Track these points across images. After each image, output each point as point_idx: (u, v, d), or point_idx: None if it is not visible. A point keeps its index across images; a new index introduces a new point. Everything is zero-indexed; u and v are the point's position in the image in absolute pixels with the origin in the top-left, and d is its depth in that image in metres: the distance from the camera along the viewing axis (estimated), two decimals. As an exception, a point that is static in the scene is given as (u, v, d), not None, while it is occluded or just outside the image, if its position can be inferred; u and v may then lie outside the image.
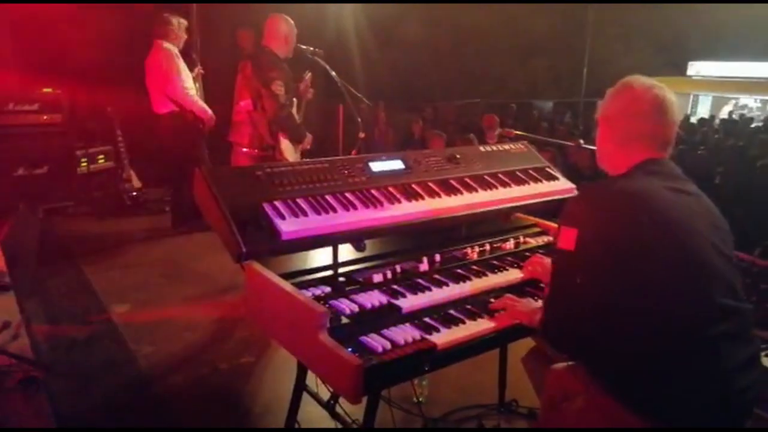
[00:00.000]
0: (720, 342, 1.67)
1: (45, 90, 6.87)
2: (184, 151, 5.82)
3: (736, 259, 1.82)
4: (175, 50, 5.74)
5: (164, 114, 5.78)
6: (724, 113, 20.41)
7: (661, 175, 1.82)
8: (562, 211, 1.85)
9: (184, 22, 5.91)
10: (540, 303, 2.14)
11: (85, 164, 7.22)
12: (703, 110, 21.94)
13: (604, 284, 1.69)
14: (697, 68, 23.52)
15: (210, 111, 5.80)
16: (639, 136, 1.87)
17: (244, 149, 4.66)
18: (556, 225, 2.82)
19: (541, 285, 2.34)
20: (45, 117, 6.75)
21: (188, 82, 5.78)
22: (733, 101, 21.87)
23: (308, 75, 4.92)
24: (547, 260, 2.46)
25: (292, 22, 4.68)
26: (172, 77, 5.63)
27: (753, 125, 14.46)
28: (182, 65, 5.76)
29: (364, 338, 1.84)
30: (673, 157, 1.92)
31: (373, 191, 2.35)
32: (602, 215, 1.73)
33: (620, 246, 1.67)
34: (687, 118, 17.92)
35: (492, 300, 2.17)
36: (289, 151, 4.69)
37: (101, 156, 7.48)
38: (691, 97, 23.02)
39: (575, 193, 2.84)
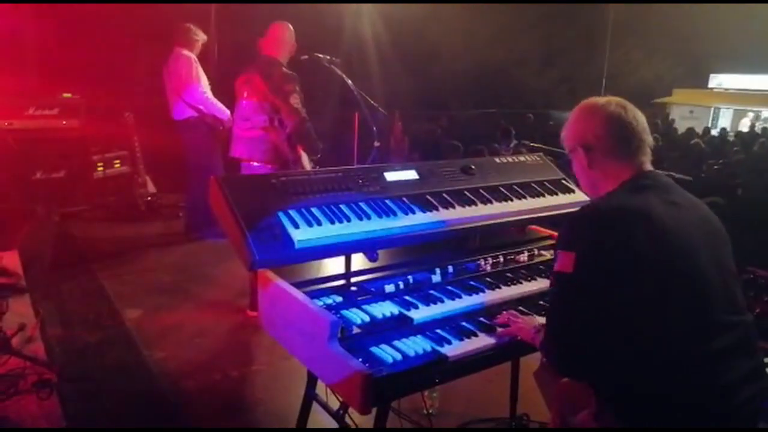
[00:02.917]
0: (718, 357, 1.66)
1: (64, 95, 6.95)
2: (201, 157, 5.88)
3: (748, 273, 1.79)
4: (194, 57, 5.83)
5: (182, 120, 5.85)
6: (743, 126, 20.20)
7: (656, 189, 1.80)
8: (558, 234, 1.83)
9: (204, 36, 6.01)
10: (544, 319, 2.11)
11: (101, 169, 7.29)
12: (724, 123, 21.73)
13: (602, 304, 1.67)
14: (719, 80, 23.26)
15: (228, 112, 5.83)
16: (626, 148, 1.86)
17: (255, 164, 4.54)
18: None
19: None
20: (64, 122, 6.82)
21: (207, 87, 5.86)
22: (751, 114, 21.64)
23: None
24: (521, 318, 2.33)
25: (292, 28, 4.66)
26: (191, 82, 5.73)
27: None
28: (201, 71, 5.86)
29: (374, 348, 1.84)
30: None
31: (387, 201, 2.33)
32: (601, 234, 1.70)
33: (619, 264, 1.65)
34: (707, 131, 17.76)
35: (504, 313, 2.15)
36: (306, 163, 4.67)
37: (117, 161, 7.54)
38: (712, 109, 22.80)
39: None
